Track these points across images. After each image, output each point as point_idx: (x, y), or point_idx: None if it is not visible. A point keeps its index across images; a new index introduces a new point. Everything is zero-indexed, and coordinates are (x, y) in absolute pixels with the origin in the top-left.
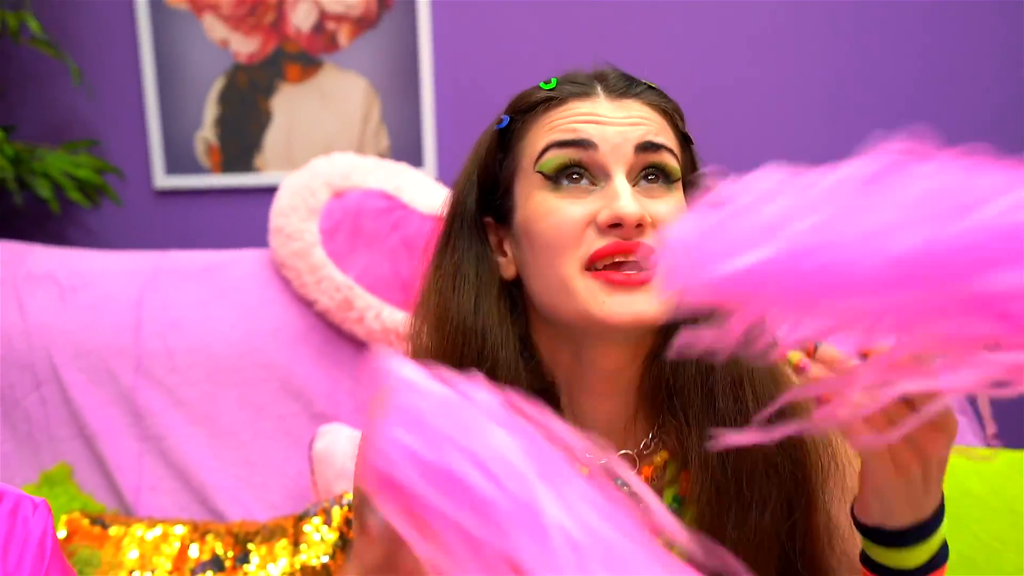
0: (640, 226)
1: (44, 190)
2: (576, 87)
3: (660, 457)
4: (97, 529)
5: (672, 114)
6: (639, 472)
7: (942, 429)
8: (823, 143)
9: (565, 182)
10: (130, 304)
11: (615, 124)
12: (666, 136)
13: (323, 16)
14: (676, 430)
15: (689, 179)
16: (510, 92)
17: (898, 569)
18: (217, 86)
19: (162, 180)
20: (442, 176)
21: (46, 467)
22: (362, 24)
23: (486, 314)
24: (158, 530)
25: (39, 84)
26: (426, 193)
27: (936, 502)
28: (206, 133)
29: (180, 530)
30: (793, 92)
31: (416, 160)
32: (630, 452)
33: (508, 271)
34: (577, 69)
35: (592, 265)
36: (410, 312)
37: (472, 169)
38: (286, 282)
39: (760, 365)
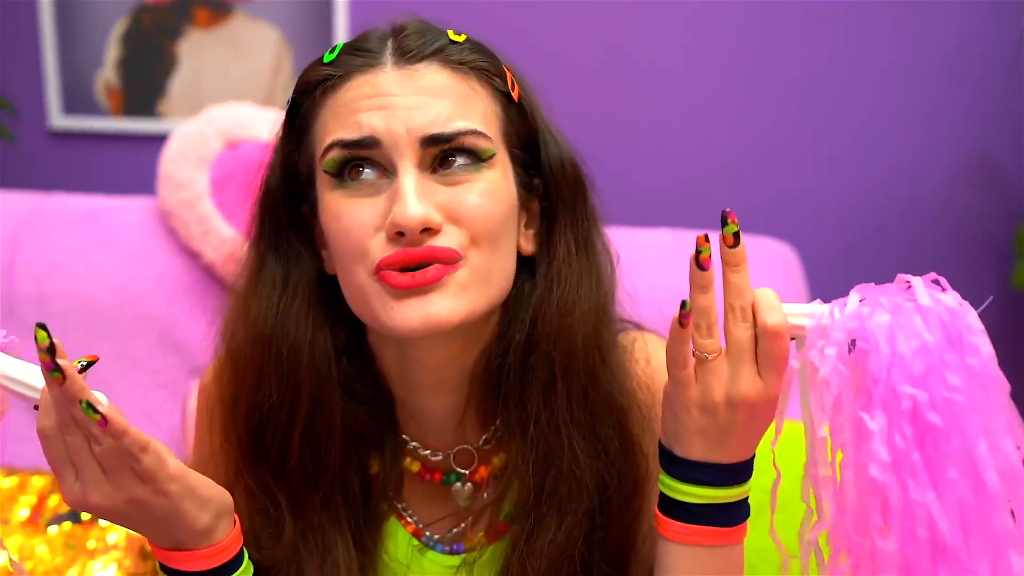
0: (429, 229)
1: None
2: (360, 58)
3: (498, 459)
4: None
5: (485, 71)
6: (476, 472)
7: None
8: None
9: (349, 180)
10: (3, 245)
11: (400, 107)
12: (467, 110)
13: None
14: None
15: (520, 144)
16: None
17: (681, 502)
18: (120, 26)
19: (59, 120)
20: None
21: None
22: None
23: (290, 318)
24: (15, 479)
25: None
26: None
27: (739, 455)
28: (107, 74)
29: (39, 481)
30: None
31: None
32: (469, 447)
33: (330, 266)
34: (375, 28)
35: (380, 270)
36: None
37: (275, 157)
38: (172, 232)
39: (579, 365)
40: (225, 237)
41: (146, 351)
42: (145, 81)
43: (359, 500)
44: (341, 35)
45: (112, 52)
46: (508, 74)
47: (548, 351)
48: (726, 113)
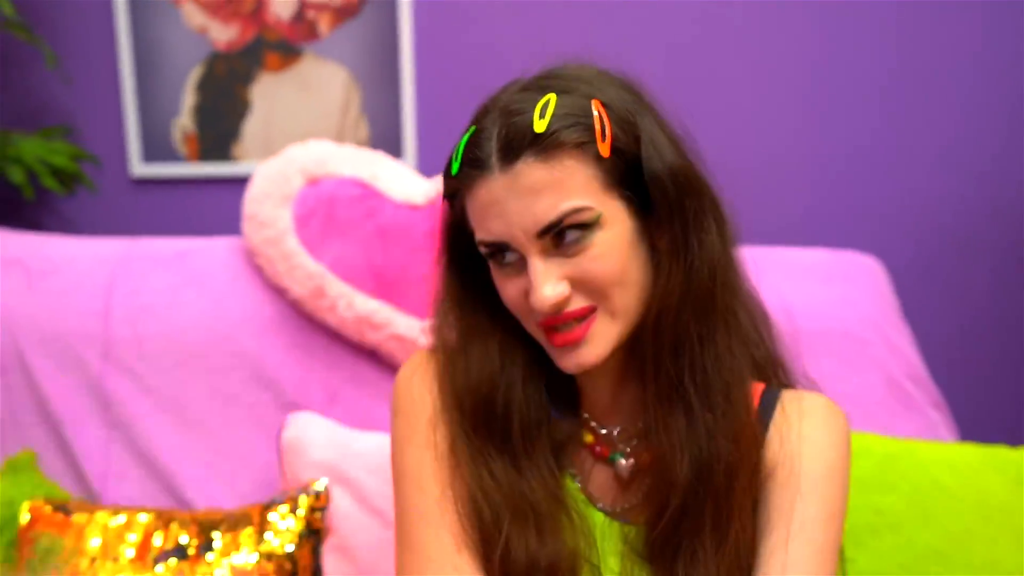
0: (562, 301)
1: (17, 176)
2: (474, 169)
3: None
4: (60, 516)
5: (577, 144)
6: (639, 452)
7: None
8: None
9: (499, 261)
10: (99, 290)
11: (511, 212)
12: (566, 191)
13: (304, 5)
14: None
15: (627, 181)
16: (491, 84)
17: None
18: (195, 74)
19: (139, 168)
20: (421, 167)
21: (11, 454)
22: (343, 13)
23: (495, 342)
24: (122, 518)
25: (14, 69)
26: (402, 182)
27: None
28: (184, 121)
29: (144, 518)
30: (771, 82)
31: (396, 151)
32: (630, 428)
33: None
34: (483, 129)
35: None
36: (430, 315)
37: (448, 220)
38: (258, 270)
39: (666, 368)
40: (311, 272)
41: (239, 387)
42: (220, 126)
43: (550, 453)
44: (408, 71)
45: (188, 99)
46: (597, 128)
47: (643, 348)
48: (808, 125)
